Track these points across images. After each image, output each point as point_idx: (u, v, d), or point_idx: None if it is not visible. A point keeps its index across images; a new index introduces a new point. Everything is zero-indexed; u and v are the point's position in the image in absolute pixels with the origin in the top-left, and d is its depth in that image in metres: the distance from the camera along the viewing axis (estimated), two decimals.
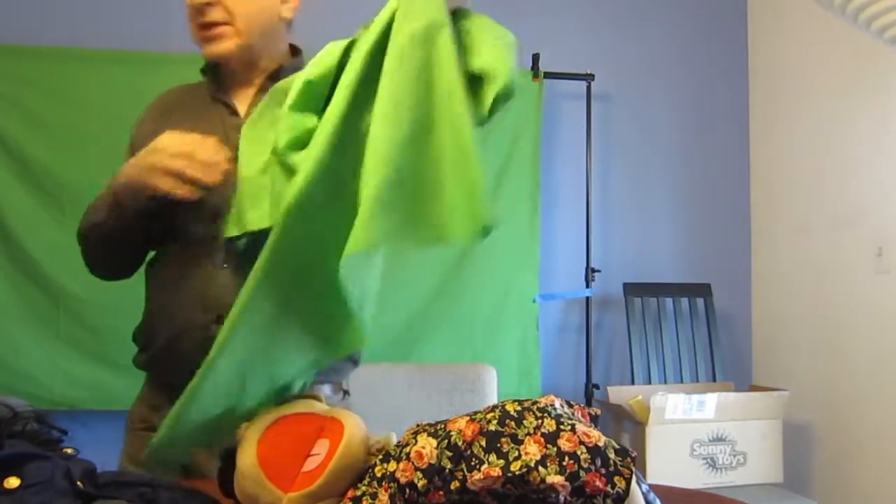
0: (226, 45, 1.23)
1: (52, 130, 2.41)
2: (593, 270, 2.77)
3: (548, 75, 2.74)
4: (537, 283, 2.70)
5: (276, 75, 1.26)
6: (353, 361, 1.34)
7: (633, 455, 0.72)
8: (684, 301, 2.84)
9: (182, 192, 1.05)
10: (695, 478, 2.34)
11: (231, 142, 1.10)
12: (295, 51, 1.34)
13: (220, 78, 1.30)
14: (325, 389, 1.29)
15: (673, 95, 2.99)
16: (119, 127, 2.41)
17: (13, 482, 0.74)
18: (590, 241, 2.78)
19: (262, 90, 1.25)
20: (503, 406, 0.77)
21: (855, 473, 2.46)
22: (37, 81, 2.42)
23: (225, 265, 1.16)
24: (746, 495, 2.20)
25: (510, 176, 2.69)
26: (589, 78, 2.79)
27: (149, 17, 2.60)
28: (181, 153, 1.06)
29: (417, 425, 0.82)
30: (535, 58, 2.74)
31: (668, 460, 2.32)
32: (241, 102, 1.28)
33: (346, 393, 1.36)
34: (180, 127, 1.14)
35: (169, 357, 1.20)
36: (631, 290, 2.79)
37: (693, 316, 2.81)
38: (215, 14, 1.20)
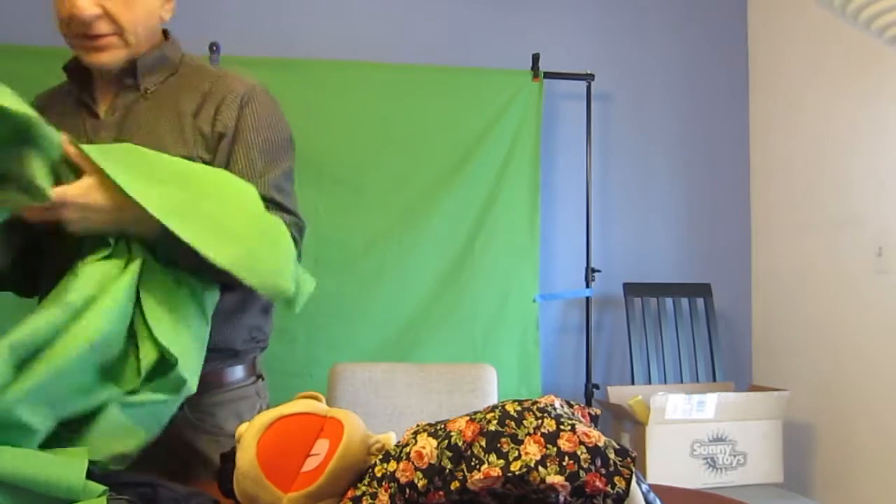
0: (114, 54, 1.19)
1: None
2: (593, 270, 2.77)
3: (548, 75, 2.74)
4: (537, 283, 2.70)
5: (132, 69, 1.23)
6: (262, 348, 1.34)
7: (633, 455, 0.73)
8: (684, 301, 2.84)
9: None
10: (695, 478, 2.34)
11: (93, 143, 1.10)
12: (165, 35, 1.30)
13: (86, 79, 1.25)
14: (238, 372, 1.28)
15: (673, 95, 2.99)
16: None
17: None
18: (590, 241, 2.78)
19: (121, 86, 1.24)
20: (503, 406, 0.77)
21: (855, 473, 2.46)
22: (37, 81, 2.41)
23: None
24: (746, 495, 2.20)
25: (510, 176, 2.69)
26: (589, 78, 2.79)
27: None
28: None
29: (417, 425, 0.82)
30: (535, 58, 2.74)
31: (668, 460, 2.32)
32: (103, 101, 1.25)
33: (259, 377, 1.35)
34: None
35: None
36: (631, 290, 2.79)
37: (693, 316, 2.81)
38: (103, 27, 1.16)
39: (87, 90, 1.25)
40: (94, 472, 0.87)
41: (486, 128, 2.68)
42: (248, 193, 1.12)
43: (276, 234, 1.14)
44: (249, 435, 0.87)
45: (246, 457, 0.85)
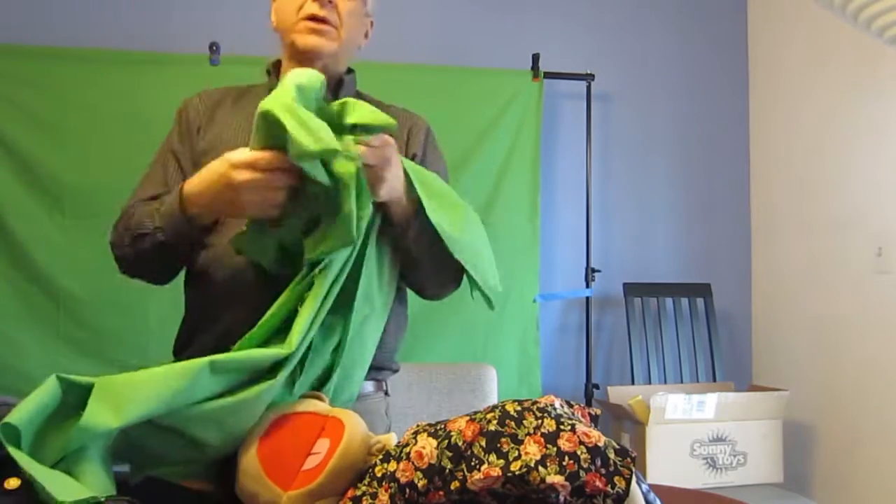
0: (329, 44, 1.29)
1: (52, 130, 2.41)
2: (593, 270, 2.77)
3: (548, 75, 2.74)
4: (537, 283, 2.70)
5: (337, 87, 1.35)
6: (394, 370, 1.38)
7: (633, 455, 0.73)
8: (684, 301, 2.84)
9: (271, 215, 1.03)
10: (695, 478, 2.34)
11: None
12: (348, 70, 1.41)
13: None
14: (368, 386, 1.31)
15: (673, 95, 2.99)
16: (119, 127, 2.44)
17: (14, 483, 0.74)
18: (590, 241, 2.78)
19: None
20: (503, 406, 0.77)
21: (855, 473, 2.46)
22: (37, 81, 2.42)
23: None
24: (746, 495, 2.20)
25: (510, 176, 2.69)
26: (589, 78, 2.79)
27: (149, 17, 2.61)
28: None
29: (417, 425, 0.82)
30: (535, 58, 2.74)
31: (668, 460, 2.32)
32: None
33: (385, 393, 1.39)
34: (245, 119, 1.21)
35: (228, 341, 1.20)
36: (631, 290, 2.79)
37: (693, 316, 2.81)
38: (332, 15, 1.27)
39: None
40: None
41: (486, 128, 2.68)
42: (466, 206, 1.24)
43: (484, 234, 1.26)
44: (251, 433, 0.88)
45: (247, 454, 0.86)
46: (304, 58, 1.30)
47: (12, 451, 0.72)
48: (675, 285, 2.86)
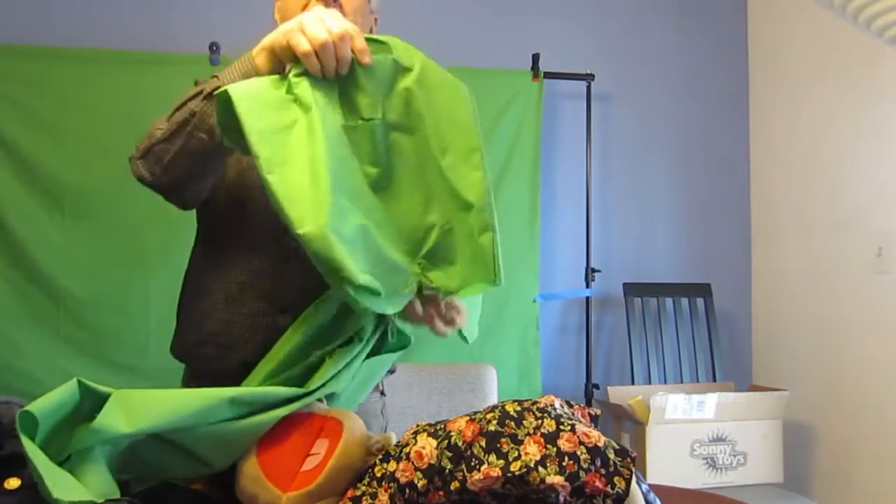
0: None
1: (52, 130, 2.41)
2: (593, 270, 2.77)
3: (548, 75, 2.74)
4: (537, 283, 2.70)
5: None
6: (391, 371, 1.37)
7: (633, 455, 0.72)
8: (684, 301, 2.84)
9: (315, 66, 0.97)
10: (695, 478, 2.34)
11: None
12: None
13: None
14: None
15: (673, 95, 2.99)
16: (119, 127, 2.43)
17: (14, 483, 0.74)
18: (590, 241, 2.78)
19: None
20: (503, 406, 0.77)
21: (855, 473, 2.46)
22: (37, 81, 2.42)
23: (292, 259, 1.19)
24: (746, 495, 2.20)
25: (510, 176, 2.69)
26: (589, 78, 2.79)
27: (149, 17, 2.61)
28: (343, 27, 0.98)
29: (417, 425, 0.82)
30: (535, 58, 2.74)
31: (668, 460, 2.32)
32: None
33: (381, 393, 1.39)
34: None
35: (219, 345, 1.21)
36: (631, 290, 2.79)
37: (693, 316, 2.81)
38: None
39: None
40: None
41: (486, 128, 2.68)
42: None
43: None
44: None
45: (246, 456, 0.86)
46: None
47: (24, 440, 0.72)
48: (675, 285, 2.86)
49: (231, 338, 1.19)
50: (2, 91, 2.39)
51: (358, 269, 0.88)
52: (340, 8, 1.25)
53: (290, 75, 0.98)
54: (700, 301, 2.83)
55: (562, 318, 2.86)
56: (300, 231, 0.86)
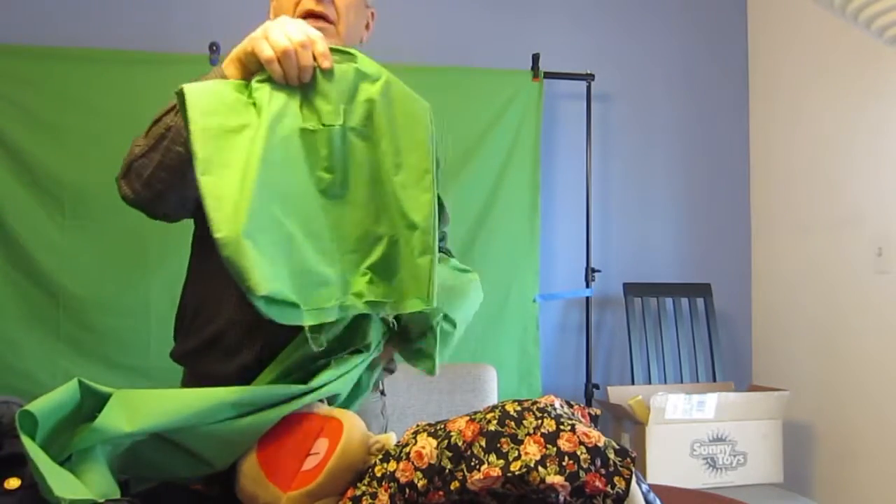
0: (328, 40, 1.26)
1: (52, 130, 2.41)
2: (593, 270, 2.77)
3: (548, 75, 2.74)
4: (537, 283, 2.70)
5: None
6: (391, 370, 1.37)
7: (633, 455, 0.72)
8: (684, 301, 2.84)
9: (277, 72, 1.00)
10: (695, 478, 2.34)
11: None
12: None
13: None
14: None
15: (673, 95, 2.99)
16: (119, 127, 2.43)
17: (14, 483, 0.74)
18: (590, 241, 2.77)
19: None
20: (503, 406, 0.77)
21: (855, 473, 2.46)
22: (37, 81, 2.42)
23: None
24: (746, 495, 2.20)
25: (510, 176, 2.69)
26: (589, 78, 2.79)
27: (149, 17, 2.61)
28: (305, 35, 1.02)
29: (417, 425, 0.82)
30: (535, 58, 2.74)
31: (668, 460, 2.32)
32: None
33: (382, 393, 1.39)
34: None
35: (218, 351, 1.20)
36: (631, 290, 2.79)
37: (693, 316, 2.81)
38: (329, 10, 1.24)
39: None
40: None
41: (486, 128, 2.68)
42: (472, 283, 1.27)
43: (476, 304, 1.29)
44: None
45: (246, 456, 0.86)
46: None
47: (24, 439, 0.72)
48: (675, 285, 2.86)
49: (230, 344, 1.18)
50: (2, 91, 2.39)
51: (265, 279, 0.86)
52: (333, 4, 1.25)
53: (254, 80, 1.00)
54: (700, 301, 2.83)
55: (562, 318, 2.86)
56: (216, 235, 0.85)
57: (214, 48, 2.49)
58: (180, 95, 0.92)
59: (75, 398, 0.78)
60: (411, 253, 1.00)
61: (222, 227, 0.85)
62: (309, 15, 1.24)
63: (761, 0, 3.01)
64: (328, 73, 1.02)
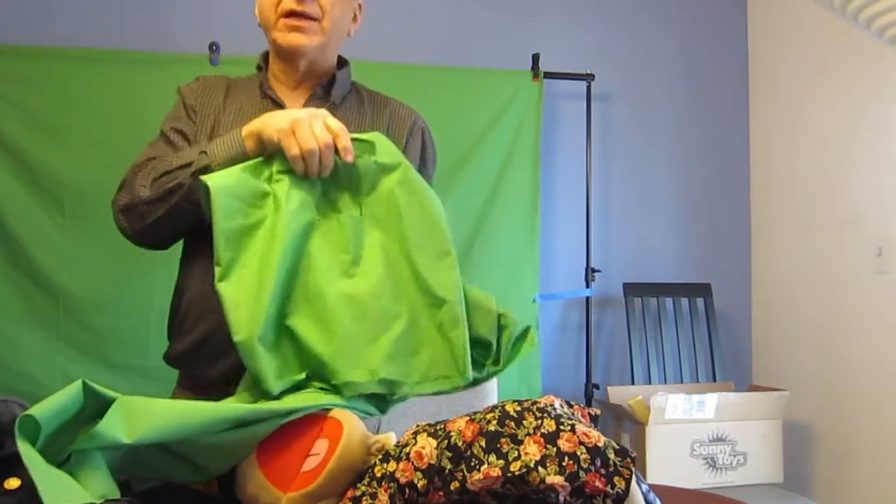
0: (311, 39, 1.26)
1: (52, 130, 2.41)
2: (593, 270, 2.77)
3: (548, 75, 2.74)
4: (537, 283, 2.69)
5: (329, 85, 1.32)
6: None
7: (633, 455, 0.72)
8: (684, 301, 2.84)
9: (301, 169, 1.05)
10: (695, 478, 2.34)
11: None
12: (341, 62, 1.38)
13: (271, 75, 1.34)
14: None
15: (673, 95, 2.99)
16: (119, 127, 2.44)
17: (14, 483, 0.74)
18: (590, 241, 2.77)
19: (314, 97, 1.31)
20: (503, 406, 0.77)
21: (855, 473, 2.46)
22: (37, 81, 2.42)
23: None
24: (746, 495, 2.20)
25: (510, 176, 2.69)
26: (589, 78, 2.79)
27: (149, 17, 2.61)
28: (329, 134, 1.06)
29: (417, 425, 0.82)
30: (535, 58, 2.74)
31: (668, 460, 2.32)
32: (291, 104, 1.30)
33: None
34: (238, 110, 1.23)
35: (205, 354, 1.20)
36: (631, 290, 2.79)
37: (693, 316, 2.81)
38: (312, 8, 1.24)
39: (272, 87, 1.32)
40: None
41: (486, 128, 2.68)
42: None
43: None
44: None
45: (246, 457, 0.85)
46: (288, 56, 1.28)
47: (20, 443, 0.72)
48: (675, 285, 2.86)
49: (216, 348, 1.17)
50: (2, 91, 2.39)
51: (273, 378, 0.95)
52: (316, 1, 1.24)
53: (274, 170, 1.06)
54: (700, 301, 2.83)
55: (562, 318, 2.86)
56: (236, 338, 0.94)
57: (214, 48, 2.49)
58: (207, 191, 0.99)
59: (79, 401, 0.78)
60: (439, 328, 1.04)
61: (241, 330, 0.94)
62: (290, 14, 1.23)
63: (761, 0, 3.01)
64: (349, 165, 1.08)
